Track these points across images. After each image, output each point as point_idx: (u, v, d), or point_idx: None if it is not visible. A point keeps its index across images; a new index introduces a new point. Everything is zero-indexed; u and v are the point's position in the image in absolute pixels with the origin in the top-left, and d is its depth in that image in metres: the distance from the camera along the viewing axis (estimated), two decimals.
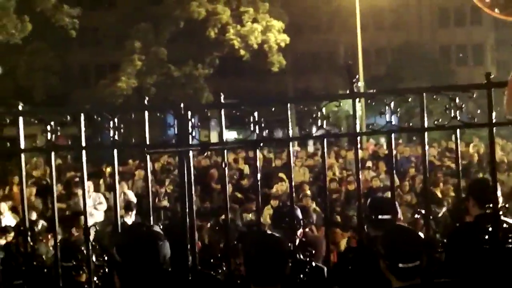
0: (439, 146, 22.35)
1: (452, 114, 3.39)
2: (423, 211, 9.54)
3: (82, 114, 3.54)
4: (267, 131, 3.28)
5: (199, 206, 12.48)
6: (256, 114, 3.34)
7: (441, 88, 3.50)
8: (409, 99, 3.62)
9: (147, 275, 2.34)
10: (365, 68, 29.07)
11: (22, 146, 3.55)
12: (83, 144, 3.50)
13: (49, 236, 7.92)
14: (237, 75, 32.38)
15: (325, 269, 3.51)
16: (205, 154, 18.01)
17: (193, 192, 3.40)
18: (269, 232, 2.93)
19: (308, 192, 11.99)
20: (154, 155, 19.91)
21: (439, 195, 12.11)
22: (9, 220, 9.83)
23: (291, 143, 3.55)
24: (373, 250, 3.00)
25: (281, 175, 14.62)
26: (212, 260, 3.38)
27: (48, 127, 3.48)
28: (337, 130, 41.13)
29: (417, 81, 32.14)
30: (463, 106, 3.39)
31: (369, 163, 16.62)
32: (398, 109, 3.48)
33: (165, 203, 12.41)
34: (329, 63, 35.43)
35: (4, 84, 27.48)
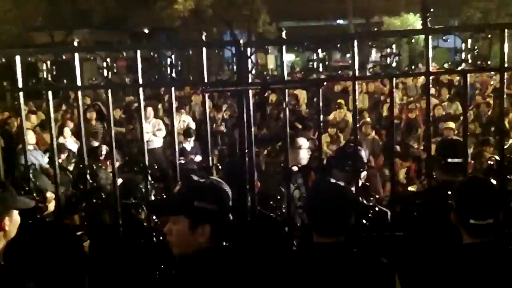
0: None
1: None
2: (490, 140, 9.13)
3: (138, 51, 3.35)
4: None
5: (256, 133, 12.48)
6: (320, 51, 3.11)
7: None
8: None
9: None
10: None
11: (79, 83, 3.48)
12: (140, 81, 3.38)
13: (108, 163, 8.03)
14: None
15: (389, 213, 3.38)
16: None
17: (252, 133, 3.28)
18: (333, 181, 2.77)
19: (368, 119, 11.65)
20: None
21: (507, 125, 11.53)
22: (72, 144, 10.12)
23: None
24: (442, 198, 2.83)
25: (340, 101, 14.34)
26: (271, 202, 3.30)
27: (104, 64, 3.36)
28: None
29: (485, 1, 30.23)
30: None
31: (431, 90, 15.99)
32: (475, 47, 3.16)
33: (222, 128, 12.45)
34: None
35: (63, 7, 27.79)
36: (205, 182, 2.32)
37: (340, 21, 41.28)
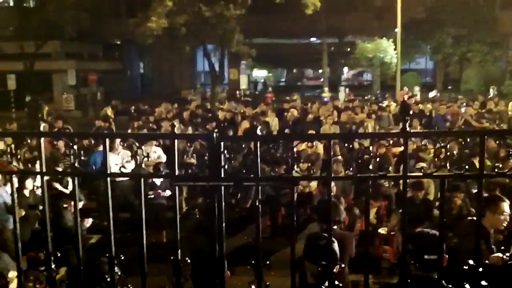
0: (474, 101, 21.59)
1: None
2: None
3: None
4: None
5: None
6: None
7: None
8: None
9: None
10: (404, 11, 27.77)
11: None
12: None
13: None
14: (269, 14, 31.50)
15: None
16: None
17: (223, 226, 3.16)
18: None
19: (340, 157, 11.61)
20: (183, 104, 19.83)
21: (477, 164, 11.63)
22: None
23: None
24: None
25: (311, 132, 14.28)
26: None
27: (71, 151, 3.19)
28: (369, 73, 40.47)
29: (457, 27, 30.91)
30: None
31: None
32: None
33: (193, 160, 12.26)
34: (364, 3, 34.20)
35: (34, 18, 27.37)
36: None
37: (313, 39, 41.67)
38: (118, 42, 36.89)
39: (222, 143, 3.10)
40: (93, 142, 11.84)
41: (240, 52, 27.48)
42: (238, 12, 25.02)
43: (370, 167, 3.10)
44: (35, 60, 28.56)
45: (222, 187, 3.11)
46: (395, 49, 28.53)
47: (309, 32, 37.78)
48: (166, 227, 9.89)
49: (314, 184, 11.48)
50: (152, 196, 10.19)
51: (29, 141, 3.67)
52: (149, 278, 3.22)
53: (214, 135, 3.11)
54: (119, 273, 3.26)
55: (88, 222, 8.12)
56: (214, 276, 3.18)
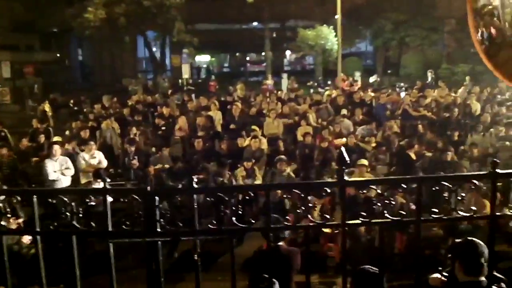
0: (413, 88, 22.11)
1: None
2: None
3: None
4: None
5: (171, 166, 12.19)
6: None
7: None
8: None
9: None
10: None
11: None
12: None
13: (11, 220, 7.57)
14: (212, 0, 31.12)
15: None
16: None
17: (161, 280, 3.09)
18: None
19: (283, 156, 11.63)
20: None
21: (413, 156, 11.93)
22: None
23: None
24: None
25: (255, 128, 14.28)
26: None
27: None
28: (312, 57, 40.74)
29: (396, 13, 31.44)
30: None
31: (343, 111, 16.21)
32: None
33: (135, 162, 12.02)
34: None
35: None
36: None
37: (255, 24, 41.55)
38: (55, 30, 35.56)
39: (156, 198, 3.01)
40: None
41: (182, 40, 27.12)
42: (178, 1, 24.62)
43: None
44: None
45: (159, 243, 3.04)
46: (335, 36, 28.78)
47: (252, 17, 37.63)
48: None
49: (258, 182, 11.53)
50: (93, 203, 9.95)
51: None
52: None
53: (148, 188, 3.03)
54: None
55: (27, 238, 7.89)
56: None
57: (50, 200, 3.12)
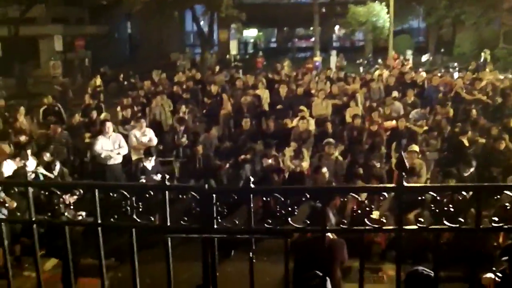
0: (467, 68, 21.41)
1: None
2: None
3: None
4: None
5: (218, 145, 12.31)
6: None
7: None
8: None
9: None
10: None
11: None
12: None
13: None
14: None
15: None
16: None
17: (216, 276, 3.13)
18: None
19: (331, 139, 11.49)
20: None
21: (466, 143, 11.59)
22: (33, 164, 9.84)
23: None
24: None
25: (303, 108, 14.16)
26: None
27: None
28: (361, 33, 39.95)
29: None
30: None
31: (394, 92, 15.89)
32: None
33: (184, 140, 12.18)
34: None
35: None
36: None
37: None
38: (105, 3, 35.95)
39: (214, 195, 3.03)
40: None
41: (229, 15, 27.03)
42: None
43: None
44: (20, 25, 27.76)
45: (215, 239, 3.07)
46: (387, 13, 28.07)
47: None
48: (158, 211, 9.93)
49: (306, 164, 11.48)
50: (144, 180, 10.16)
51: None
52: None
53: (206, 186, 3.05)
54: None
55: (82, 214, 8.14)
56: None
57: (111, 194, 3.17)
